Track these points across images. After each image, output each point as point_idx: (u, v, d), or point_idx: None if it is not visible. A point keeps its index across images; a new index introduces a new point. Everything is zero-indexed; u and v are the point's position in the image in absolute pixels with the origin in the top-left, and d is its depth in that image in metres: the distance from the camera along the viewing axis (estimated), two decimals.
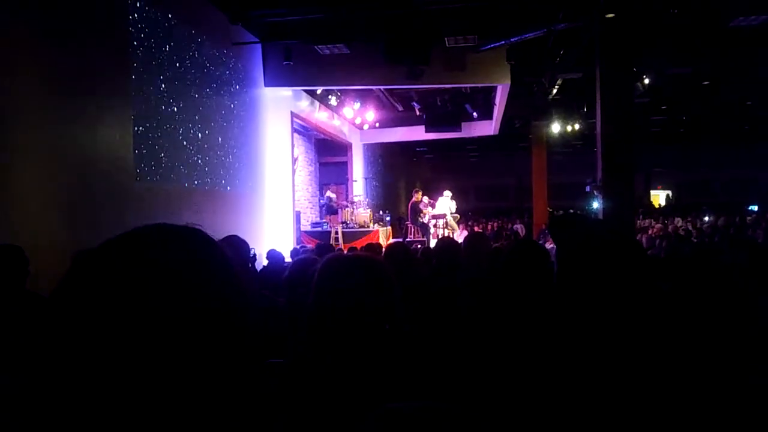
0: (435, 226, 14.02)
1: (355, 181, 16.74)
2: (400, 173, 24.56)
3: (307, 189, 16.01)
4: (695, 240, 11.70)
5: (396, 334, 1.50)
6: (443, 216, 14.14)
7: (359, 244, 10.61)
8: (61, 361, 0.65)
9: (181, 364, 0.67)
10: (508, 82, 10.48)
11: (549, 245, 8.93)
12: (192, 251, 0.74)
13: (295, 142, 12.58)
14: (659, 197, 30.31)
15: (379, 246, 6.60)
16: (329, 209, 14.16)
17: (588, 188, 8.27)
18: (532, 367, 1.75)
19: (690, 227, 15.18)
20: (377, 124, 15.86)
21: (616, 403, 1.50)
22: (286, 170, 11.44)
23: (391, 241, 13.08)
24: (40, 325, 0.69)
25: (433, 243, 11.99)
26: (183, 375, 0.67)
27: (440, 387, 1.52)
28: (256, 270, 5.03)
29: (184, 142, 7.63)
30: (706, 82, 13.19)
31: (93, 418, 0.64)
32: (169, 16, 7.41)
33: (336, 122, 14.99)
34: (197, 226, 0.78)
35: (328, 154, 17.41)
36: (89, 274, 0.69)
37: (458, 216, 15.40)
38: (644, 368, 1.54)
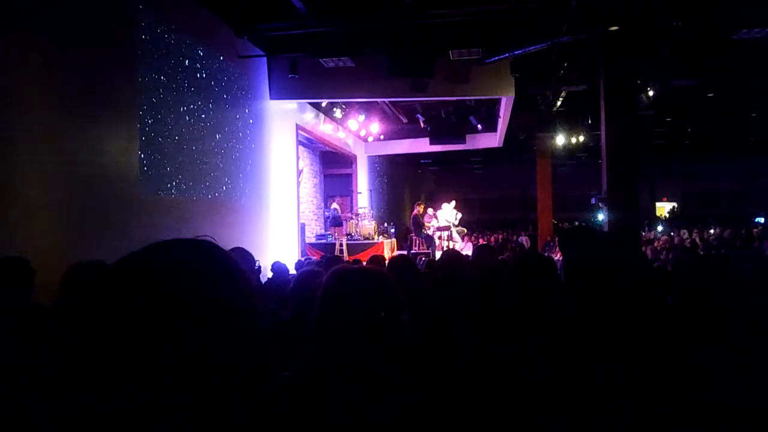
0: (440, 238, 14.02)
1: (360, 193, 16.76)
2: (405, 185, 24.59)
3: (311, 201, 16.03)
4: (702, 252, 11.63)
5: (401, 345, 1.49)
6: (448, 228, 14.15)
7: (364, 256, 10.59)
8: (78, 370, 0.66)
9: (194, 374, 0.68)
10: (513, 94, 10.51)
11: (556, 257, 8.89)
12: (206, 264, 0.75)
13: (300, 155, 12.62)
14: (664, 209, 30.22)
15: (383, 258, 6.58)
16: (334, 221, 14.17)
17: (593, 200, 8.26)
18: (540, 378, 1.74)
19: (697, 239, 15.11)
20: (382, 137, 15.91)
21: (623, 412, 1.49)
22: (291, 182, 11.46)
23: (395, 253, 13.06)
24: (53, 337, 0.70)
25: (438, 255, 11.97)
26: (196, 385, 0.68)
27: (446, 398, 1.51)
28: (260, 282, 5.03)
29: (190, 154, 7.67)
30: (710, 94, 13.19)
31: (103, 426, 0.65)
32: (175, 29, 7.47)
33: (341, 134, 15.04)
34: (210, 239, 0.79)
35: (333, 166, 17.45)
36: (109, 288, 0.70)
37: (464, 229, 15.39)
38: (650, 378, 1.53)
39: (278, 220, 10.59)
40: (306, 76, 10.01)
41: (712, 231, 18.12)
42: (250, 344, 0.74)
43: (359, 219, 14.42)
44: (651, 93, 10.60)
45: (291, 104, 11.50)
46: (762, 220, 23.33)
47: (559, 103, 12.12)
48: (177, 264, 0.73)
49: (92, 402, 0.65)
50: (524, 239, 19.80)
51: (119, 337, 0.66)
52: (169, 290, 0.69)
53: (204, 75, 8.17)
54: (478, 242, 17.13)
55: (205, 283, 0.72)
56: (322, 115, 13.46)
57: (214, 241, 0.79)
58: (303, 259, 9.42)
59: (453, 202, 14.79)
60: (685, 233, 17.11)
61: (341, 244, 12.81)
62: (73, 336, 0.68)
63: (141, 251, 0.75)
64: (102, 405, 0.65)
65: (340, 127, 14.68)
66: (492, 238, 21.15)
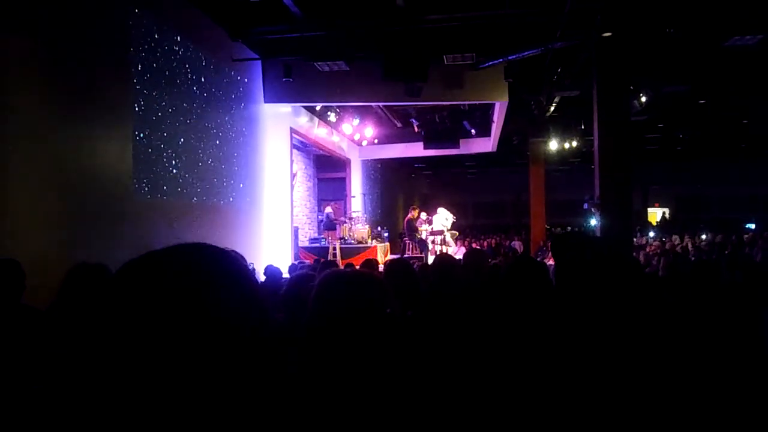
0: (433, 242, 14.03)
1: (354, 197, 16.76)
2: (399, 189, 24.61)
3: (305, 205, 16.02)
4: (693, 258, 11.69)
5: (394, 349, 1.49)
6: (441, 232, 14.16)
7: (357, 260, 10.59)
8: (90, 369, 0.67)
9: (207, 375, 0.69)
10: (506, 99, 10.55)
11: (549, 262, 8.92)
12: (236, 274, 0.77)
13: (294, 158, 12.61)
14: (657, 214, 30.35)
15: (376, 262, 6.57)
16: (327, 225, 14.15)
17: (586, 206, 8.30)
18: (533, 381, 1.74)
19: (689, 245, 15.17)
20: (376, 141, 15.93)
21: (616, 414, 1.50)
22: (285, 186, 11.45)
23: (393, 257, 13.06)
24: (51, 336, 0.71)
25: (431, 260, 11.97)
26: (206, 387, 0.69)
27: (440, 403, 1.51)
28: None
29: (184, 157, 7.65)
30: (702, 100, 13.29)
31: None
32: (170, 32, 7.47)
33: (335, 138, 15.04)
34: (233, 251, 0.81)
35: (327, 169, 17.44)
36: (138, 283, 0.71)
37: (456, 233, 15.40)
38: (642, 382, 1.54)
39: (272, 224, 10.57)
40: (300, 80, 10.01)
41: (703, 237, 18.20)
42: (260, 352, 0.75)
43: (353, 223, 14.41)
44: (644, 99, 10.67)
45: (285, 108, 11.50)
46: (753, 225, 23.47)
47: (552, 108, 12.18)
48: (211, 268, 0.75)
49: (101, 400, 0.65)
50: (517, 244, 19.83)
51: (149, 332, 0.67)
52: (188, 290, 0.71)
53: (198, 78, 8.16)
54: (471, 246, 17.17)
55: (233, 291, 0.74)
56: (316, 119, 13.47)
57: (236, 252, 0.82)
58: (296, 262, 9.40)
59: (443, 208, 14.83)
60: (676, 239, 17.17)
61: (334, 248, 12.80)
62: (102, 333, 0.69)
63: (169, 250, 0.75)
64: (111, 404, 0.65)
65: (334, 131, 14.68)
66: (485, 243, 21.16)
